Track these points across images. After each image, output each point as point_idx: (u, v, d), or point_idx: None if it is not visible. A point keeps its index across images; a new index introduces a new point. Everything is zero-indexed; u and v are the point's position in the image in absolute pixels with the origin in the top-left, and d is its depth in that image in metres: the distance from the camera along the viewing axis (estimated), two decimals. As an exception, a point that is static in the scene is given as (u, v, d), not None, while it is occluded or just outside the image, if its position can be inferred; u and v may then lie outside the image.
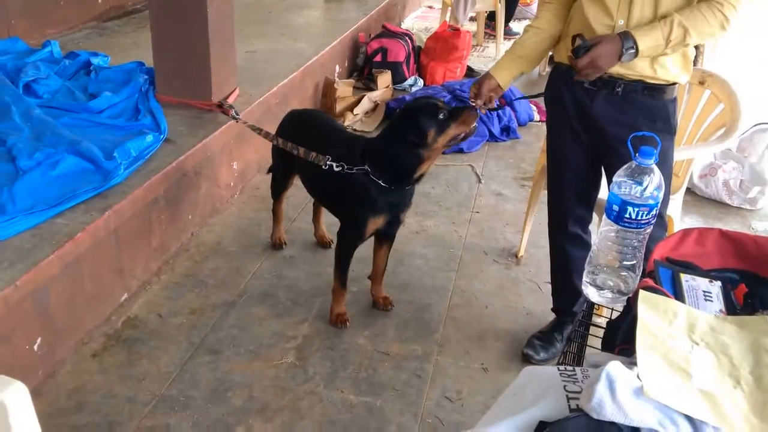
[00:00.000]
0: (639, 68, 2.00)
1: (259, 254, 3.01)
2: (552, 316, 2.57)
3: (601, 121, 2.11)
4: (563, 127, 2.23)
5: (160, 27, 3.28)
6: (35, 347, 2.21)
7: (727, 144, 2.55)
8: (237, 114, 3.04)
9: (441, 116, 2.28)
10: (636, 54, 1.92)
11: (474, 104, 2.27)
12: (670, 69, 2.02)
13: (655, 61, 1.99)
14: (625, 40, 1.91)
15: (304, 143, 2.56)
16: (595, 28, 2.00)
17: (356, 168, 2.38)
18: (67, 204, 2.43)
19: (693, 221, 3.44)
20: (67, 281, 2.31)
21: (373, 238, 2.62)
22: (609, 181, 2.21)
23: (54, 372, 2.28)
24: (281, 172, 2.92)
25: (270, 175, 3.04)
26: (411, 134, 2.29)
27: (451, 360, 2.45)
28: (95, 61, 3.77)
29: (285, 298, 2.73)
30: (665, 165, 2.04)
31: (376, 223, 2.45)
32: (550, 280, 2.55)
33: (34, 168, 2.61)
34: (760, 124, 3.70)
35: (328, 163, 2.41)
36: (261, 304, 2.69)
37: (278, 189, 2.98)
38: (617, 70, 2.01)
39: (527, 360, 2.42)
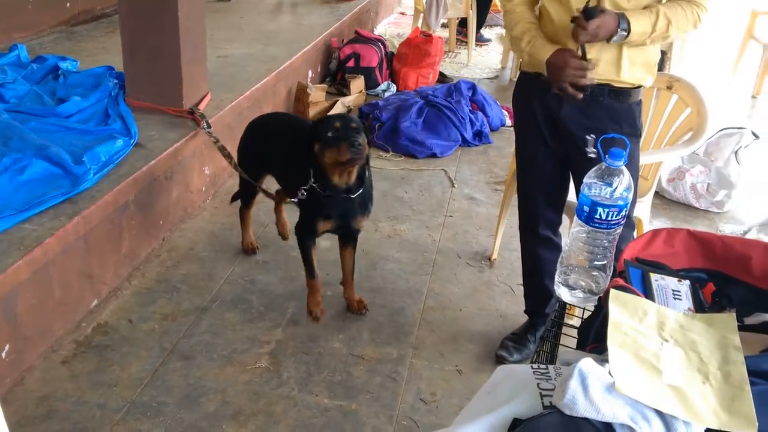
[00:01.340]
0: (605, 72, 2.03)
1: (231, 259, 2.99)
2: (525, 318, 2.59)
3: (568, 126, 2.14)
4: (531, 133, 2.25)
5: (129, 31, 3.25)
6: (3, 354, 2.16)
7: (694, 147, 2.60)
8: (209, 125, 3.09)
9: (329, 134, 2.34)
10: (627, 36, 1.93)
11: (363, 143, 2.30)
12: (634, 71, 2.05)
13: (619, 64, 2.03)
14: (621, 20, 1.92)
15: (269, 153, 2.77)
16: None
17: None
18: (36, 209, 2.39)
19: (661, 224, 3.50)
20: (35, 287, 2.27)
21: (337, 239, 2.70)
22: (576, 185, 2.25)
23: (22, 379, 2.24)
24: (252, 175, 2.87)
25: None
26: (309, 140, 2.41)
27: (425, 362, 2.45)
28: (64, 65, 3.72)
29: (258, 303, 2.72)
30: (632, 167, 2.08)
31: (324, 225, 2.54)
32: (522, 283, 2.57)
33: (2, 173, 2.56)
34: (726, 128, 3.78)
35: (300, 194, 2.49)
36: (234, 309, 2.67)
37: (249, 194, 2.97)
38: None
39: (501, 361, 2.44)
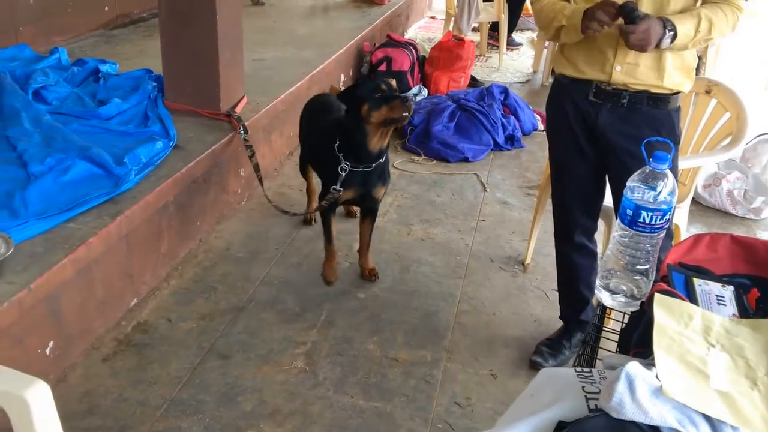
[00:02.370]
0: (644, 77, 2.02)
1: (267, 261, 3.03)
2: (559, 323, 2.58)
3: (606, 133, 2.13)
4: (566, 139, 2.24)
5: (169, 34, 3.31)
6: (47, 351, 2.22)
7: (733, 152, 2.57)
8: (246, 130, 3.19)
9: (377, 95, 2.57)
10: (674, 39, 1.90)
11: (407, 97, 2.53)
12: (673, 77, 2.04)
13: (661, 69, 2.02)
14: (666, 22, 1.89)
15: (311, 127, 3.10)
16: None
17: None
18: (79, 209, 2.44)
19: (697, 231, 3.46)
20: (79, 286, 2.33)
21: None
22: (614, 191, 2.24)
23: (65, 376, 2.29)
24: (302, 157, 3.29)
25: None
26: (353, 106, 2.62)
27: (460, 366, 2.46)
28: (103, 68, 3.79)
29: (293, 304, 2.75)
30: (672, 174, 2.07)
31: (346, 194, 2.73)
32: (557, 288, 2.57)
33: (46, 173, 2.62)
34: (763, 134, 3.73)
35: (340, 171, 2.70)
36: (270, 309, 2.71)
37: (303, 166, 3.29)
38: (626, 79, 2.04)
39: (535, 367, 2.44)
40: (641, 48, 1.91)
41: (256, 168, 3.09)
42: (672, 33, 1.90)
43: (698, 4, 2.00)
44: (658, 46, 1.91)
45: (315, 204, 3.21)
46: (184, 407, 2.21)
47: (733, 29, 1.98)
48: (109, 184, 2.62)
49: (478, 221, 3.48)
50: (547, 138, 2.38)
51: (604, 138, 2.14)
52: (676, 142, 2.16)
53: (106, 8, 4.93)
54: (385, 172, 2.79)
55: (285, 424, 2.17)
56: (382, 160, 2.71)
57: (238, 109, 3.39)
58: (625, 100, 2.06)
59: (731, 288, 1.39)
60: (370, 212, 2.90)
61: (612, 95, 2.07)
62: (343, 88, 4.67)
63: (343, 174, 2.67)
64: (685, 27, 1.92)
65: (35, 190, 2.51)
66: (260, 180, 3.08)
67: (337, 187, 2.68)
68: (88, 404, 2.20)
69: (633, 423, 1.04)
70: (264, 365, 2.41)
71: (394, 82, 4.91)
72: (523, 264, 3.09)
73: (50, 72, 3.59)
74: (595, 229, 2.40)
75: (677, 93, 2.09)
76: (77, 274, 2.29)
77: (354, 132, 2.64)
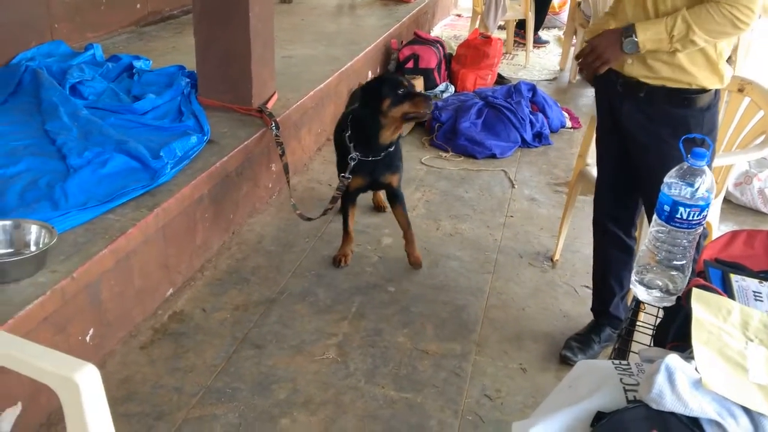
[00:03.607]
0: (659, 71, 2.02)
1: (298, 253, 3.07)
2: (589, 319, 2.59)
3: (629, 127, 2.15)
4: (603, 126, 2.31)
5: (202, 32, 3.36)
6: (87, 338, 2.28)
7: (766, 151, 2.56)
8: (277, 126, 3.24)
9: (399, 91, 2.68)
10: (637, 44, 1.96)
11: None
12: (691, 72, 2.00)
13: (672, 62, 2.00)
14: (625, 30, 1.98)
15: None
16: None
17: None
18: (118, 201, 2.50)
19: (729, 229, 3.43)
20: (118, 275, 2.38)
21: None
22: (636, 183, 2.24)
23: (104, 363, 2.35)
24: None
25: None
26: (372, 100, 2.71)
27: (489, 359, 2.49)
28: (137, 64, 3.86)
29: (324, 296, 2.79)
30: None
31: (355, 182, 2.86)
32: (586, 284, 2.58)
33: (85, 166, 2.69)
34: (795, 132, 3.69)
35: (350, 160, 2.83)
36: (301, 301, 2.75)
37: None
38: (641, 72, 2.05)
39: (565, 362, 2.45)
40: (592, 66, 2.07)
41: (286, 168, 3.14)
42: (630, 39, 1.96)
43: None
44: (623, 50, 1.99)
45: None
46: (219, 395, 2.26)
47: (734, 27, 1.90)
48: (146, 177, 2.67)
49: (506, 217, 3.50)
50: (596, 125, 2.42)
51: (626, 129, 2.17)
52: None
53: (138, 5, 5.01)
54: (395, 161, 2.90)
55: (318, 413, 2.21)
56: (391, 150, 2.83)
57: (270, 105, 3.43)
58: (642, 93, 2.07)
59: (768, 284, 1.40)
60: (392, 198, 3.01)
61: (632, 87, 2.09)
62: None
63: (352, 163, 2.79)
64: (651, 32, 1.94)
65: (75, 182, 2.58)
66: (288, 182, 3.14)
67: (346, 175, 2.81)
68: (126, 390, 2.26)
69: (672, 414, 1.06)
70: (297, 355, 2.45)
71: (421, 80, 4.99)
72: (552, 260, 3.11)
73: (86, 68, 3.67)
74: (630, 222, 2.39)
75: (702, 91, 2.04)
76: (116, 264, 2.34)
77: (369, 124, 2.75)
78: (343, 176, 2.83)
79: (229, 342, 2.50)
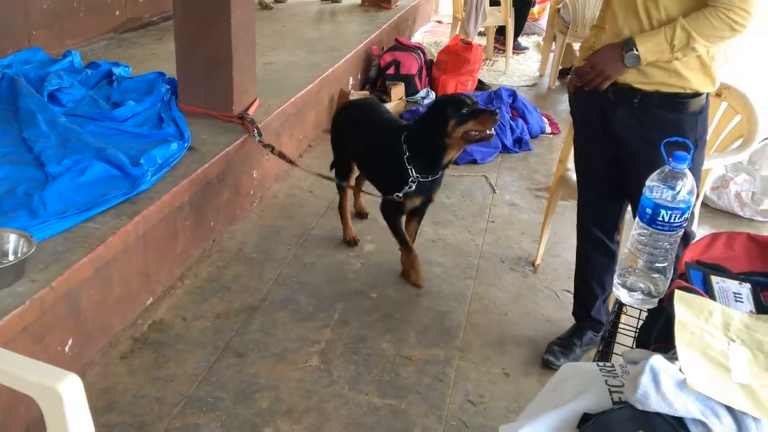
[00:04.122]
0: (653, 76, 2.04)
1: (279, 261, 3.05)
2: (570, 323, 2.61)
3: (621, 133, 2.15)
4: (586, 125, 2.31)
5: (183, 38, 3.34)
6: (66, 348, 2.25)
7: (745, 154, 2.60)
8: (260, 133, 3.23)
9: (464, 111, 2.63)
10: (639, 57, 1.98)
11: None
12: (683, 74, 2.02)
13: (667, 67, 2.02)
14: (625, 44, 2.00)
15: (356, 135, 3.05)
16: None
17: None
18: (98, 209, 2.47)
19: (706, 232, 3.47)
20: (97, 284, 2.35)
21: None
22: (624, 189, 2.26)
23: (84, 373, 2.32)
24: (342, 160, 3.19)
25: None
26: (436, 121, 2.67)
27: (472, 365, 2.49)
28: (117, 71, 3.82)
29: (306, 304, 2.77)
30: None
31: (413, 202, 2.83)
32: (568, 288, 2.59)
33: (63, 174, 2.65)
34: (771, 137, 3.75)
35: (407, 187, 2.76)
36: (283, 309, 2.73)
37: (343, 176, 3.18)
38: (635, 78, 2.06)
39: (547, 366, 2.46)
40: (594, 83, 2.09)
41: (281, 155, 3.17)
42: (631, 53, 1.99)
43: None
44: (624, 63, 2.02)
45: (350, 224, 3.24)
46: (201, 404, 2.23)
47: (733, 30, 1.92)
48: (126, 185, 2.65)
49: (487, 223, 3.51)
50: (573, 130, 2.42)
51: (617, 135, 2.17)
52: (694, 146, 2.17)
53: (117, 12, 4.97)
54: (442, 177, 2.90)
55: (301, 421, 2.19)
56: (448, 168, 2.85)
57: (251, 112, 3.42)
58: (636, 100, 2.08)
59: (748, 285, 1.42)
60: (420, 214, 2.99)
61: (625, 94, 2.10)
62: (367, 94, 4.73)
63: (414, 185, 2.74)
64: (651, 43, 1.96)
65: (53, 190, 2.54)
66: (292, 162, 3.19)
67: (401, 195, 2.75)
68: (106, 401, 2.23)
69: (657, 414, 1.07)
70: (279, 363, 2.43)
71: (402, 87, 4.99)
72: (533, 265, 3.12)
73: (64, 75, 3.62)
74: (613, 227, 2.40)
75: (696, 95, 2.06)
76: (96, 273, 2.31)
77: (431, 145, 2.71)
78: (398, 196, 2.76)
79: (210, 351, 2.47)
